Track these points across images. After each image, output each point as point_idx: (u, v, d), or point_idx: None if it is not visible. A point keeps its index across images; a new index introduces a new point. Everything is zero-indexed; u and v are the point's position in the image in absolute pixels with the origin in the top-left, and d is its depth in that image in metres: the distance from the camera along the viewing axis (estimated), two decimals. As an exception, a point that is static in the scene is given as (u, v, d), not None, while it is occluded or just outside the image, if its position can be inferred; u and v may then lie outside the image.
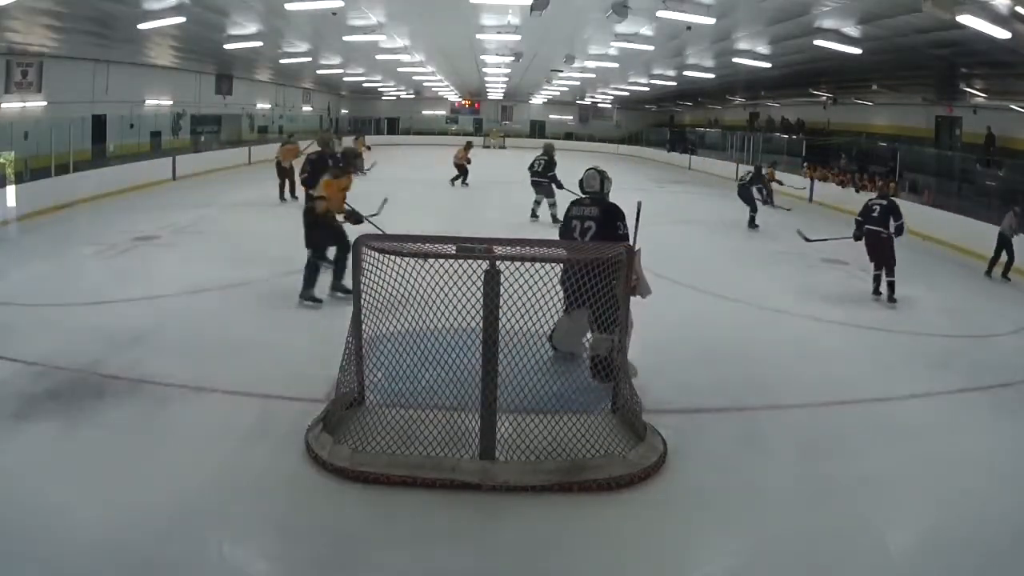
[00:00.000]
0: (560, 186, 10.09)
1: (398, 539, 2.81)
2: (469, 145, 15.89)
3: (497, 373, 3.23)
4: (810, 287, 7.46)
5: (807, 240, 7.98)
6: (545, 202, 10.45)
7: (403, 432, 3.39)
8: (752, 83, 18.76)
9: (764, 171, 12.45)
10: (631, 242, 4.12)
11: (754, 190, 11.21)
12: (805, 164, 17.57)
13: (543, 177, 10.38)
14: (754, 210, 11.08)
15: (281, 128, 25.49)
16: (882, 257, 6.78)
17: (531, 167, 10.63)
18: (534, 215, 10.65)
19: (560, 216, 8.31)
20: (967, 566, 2.78)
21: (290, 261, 7.24)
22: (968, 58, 10.72)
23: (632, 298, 3.91)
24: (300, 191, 9.27)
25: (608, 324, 3.73)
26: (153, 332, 5.03)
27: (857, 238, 6.96)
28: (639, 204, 4.36)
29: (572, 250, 3.95)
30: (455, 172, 15.14)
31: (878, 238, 6.75)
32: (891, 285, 6.72)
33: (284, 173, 12.37)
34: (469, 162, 15.24)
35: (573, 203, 4.64)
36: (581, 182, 4.64)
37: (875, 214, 6.80)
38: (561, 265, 3.78)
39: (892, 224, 6.66)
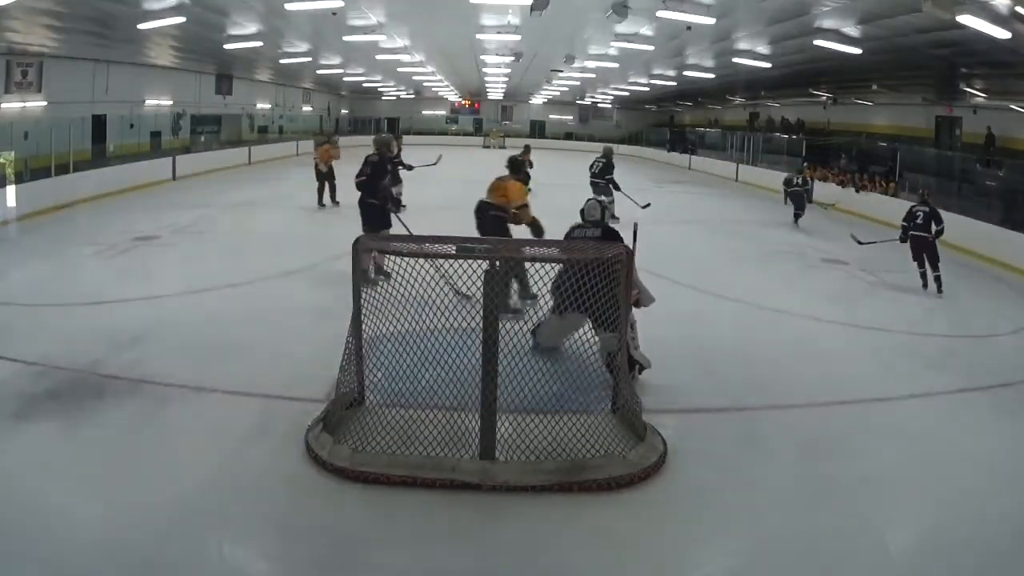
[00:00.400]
0: (617, 188, 10.69)
1: (398, 539, 2.81)
2: (528, 148, 15.83)
3: (497, 373, 3.23)
4: (810, 287, 7.50)
5: (859, 243, 8.66)
6: (603, 200, 10.73)
7: (403, 432, 3.39)
8: (752, 83, 18.72)
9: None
10: None
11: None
12: (805, 164, 17.54)
13: (600, 178, 10.89)
14: (800, 208, 11.70)
15: (281, 128, 25.43)
16: (928, 256, 7.46)
17: (590, 168, 11.20)
18: None
19: (617, 214, 9.15)
20: (967, 566, 2.78)
21: (289, 261, 7.26)
22: (968, 58, 10.70)
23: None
24: (345, 195, 8.57)
25: (615, 322, 3.74)
26: (153, 332, 5.03)
27: (903, 240, 7.65)
28: (635, 225, 4.57)
29: (573, 251, 3.97)
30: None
31: (924, 241, 7.44)
32: (938, 279, 7.40)
33: (322, 177, 11.46)
34: (531, 165, 15.16)
35: (576, 227, 4.76)
36: (583, 212, 4.85)
37: (919, 220, 7.49)
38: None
39: (934, 228, 7.39)
